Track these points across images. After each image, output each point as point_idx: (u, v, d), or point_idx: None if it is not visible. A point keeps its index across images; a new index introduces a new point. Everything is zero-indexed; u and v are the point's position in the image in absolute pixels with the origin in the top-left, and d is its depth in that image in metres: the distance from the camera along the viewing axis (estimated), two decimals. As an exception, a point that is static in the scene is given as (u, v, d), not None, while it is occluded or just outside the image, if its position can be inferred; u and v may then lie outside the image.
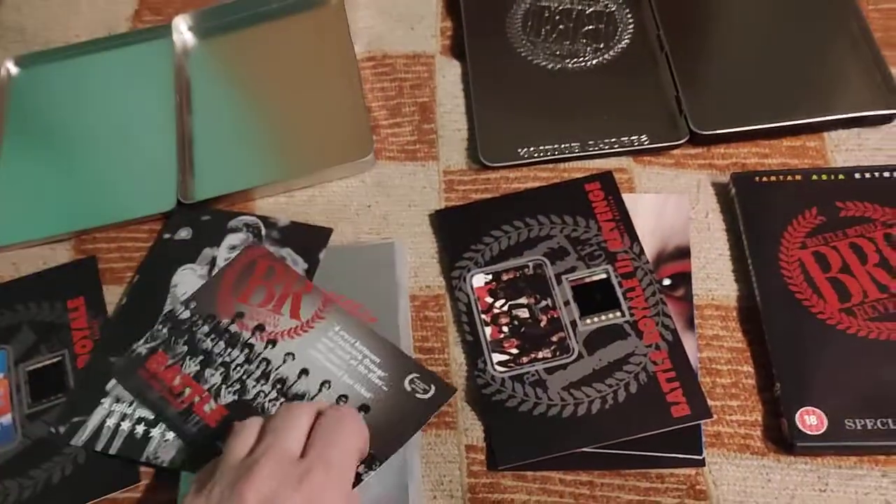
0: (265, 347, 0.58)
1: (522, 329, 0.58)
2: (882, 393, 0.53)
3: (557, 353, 0.57)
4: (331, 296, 0.60)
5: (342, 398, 0.55)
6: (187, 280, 0.62)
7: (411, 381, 0.56)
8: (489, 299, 0.60)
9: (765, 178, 0.63)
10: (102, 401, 0.58)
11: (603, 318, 0.58)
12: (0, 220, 0.69)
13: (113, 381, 0.58)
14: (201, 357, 0.58)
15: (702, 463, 0.53)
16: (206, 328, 0.59)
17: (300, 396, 0.55)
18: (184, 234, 0.65)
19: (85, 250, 0.66)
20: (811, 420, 0.52)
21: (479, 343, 0.58)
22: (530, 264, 0.61)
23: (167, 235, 0.65)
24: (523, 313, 0.59)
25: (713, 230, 0.62)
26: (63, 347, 0.61)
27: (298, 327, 0.58)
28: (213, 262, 0.63)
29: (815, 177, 0.63)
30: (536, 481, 0.53)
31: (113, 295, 0.64)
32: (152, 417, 0.57)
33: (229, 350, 0.58)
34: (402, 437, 0.53)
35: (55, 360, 0.60)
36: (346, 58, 0.73)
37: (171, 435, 0.56)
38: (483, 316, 0.59)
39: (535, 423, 0.54)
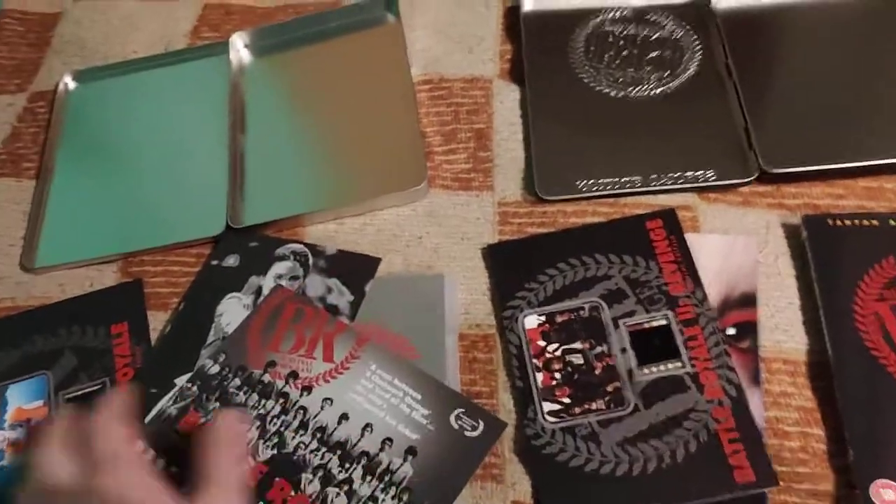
0: (301, 395, 0.56)
1: (576, 376, 0.56)
2: (967, 466, 0.49)
3: (612, 405, 0.54)
4: (366, 333, 0.58)
5: (387, 442, 0.53)
6: (232, 310, 0.61)
7: (457, 417, 0.54)
8: (542, 342, 0.57)
9: (839, 222, 0.59)
10: (143, 432, 0.57)
11: (662, 368, 0.55)
12: (49, 239, 0.69)
13: (152, 414, 0.57)
14: None
15: (766, 533, 0.49)
16: (237, 381, 0.57)
17: (342, 444, 0.53)
18: (231, 260, 0.64)
19: (131, 273, 0.66)
20: (888, 495, 0.48)
21: (529, 390, 0.56)
22: (586, 306, 0.58)
23: (214, 262, 0.64)
24: (577, 359, 0.56)
25: (783, 276, 0.59)
26: (104, 375, 0.60)
27: (333, 370, 0.56)
28: (258, 292, 0.62)
29: (892, 222, 0.58)
30: (586, 542, 0.50)
31: (158, 321, 0.63)
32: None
33: (263, 402, 0.56)
34: (456, 484, 0.51)
35: (96, 388, 0.60)
36: (402, 80, 0.72)
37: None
38: (535, 360, 0.57)
39: (586, 481, 0.51)
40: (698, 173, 0.64)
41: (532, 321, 0.58)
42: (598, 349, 0.57)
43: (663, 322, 0.57)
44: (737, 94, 0.66)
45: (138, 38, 0.82)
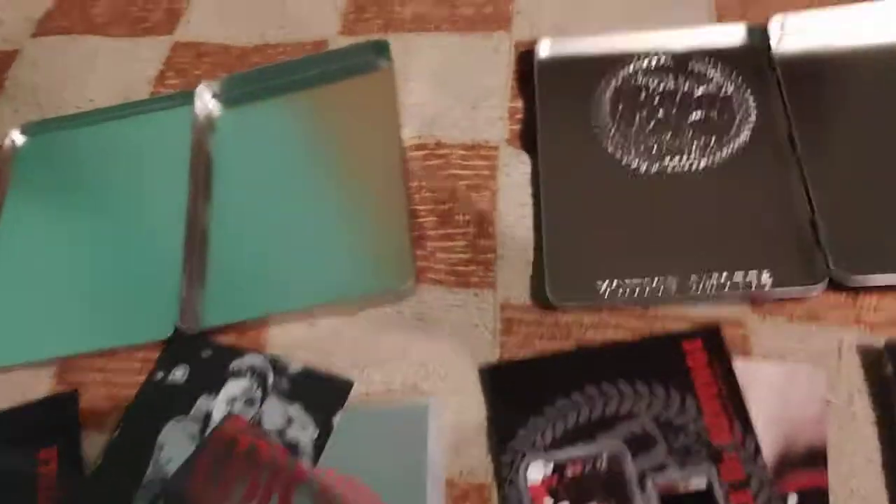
0: None
1: (592, 551, 0.44)
2: None
3: None
4: (332, 481, 0.47)
5: None
6: (176, 440, 0.51)
7: None
8: (549, 502, 0.46)
9: (936, 354, 0.46)
10: None
11: (701, 546, 0.43)
12: (-22, 338, 0.59)
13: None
14: None
15: None
16: None
17: None
18: (179, 374, 0.53)
19: (68, 381, 0.56)
20: None
21: (531, 567, 0.44)
22: (605, 455, 0.46)
23: (159, 375, 0.54)
24: (592, 534, 0.45)
25: (860, 421, 0.46)
26: (25, 511, 0.50)
27: None
28: (207, 419, 0.51)
29: None
30: None
31: (93, 446, 0.53)
32: None
33: None
34: None
35: (14, 528, 0.50)
36: (390, 144, 0.60)
37: None
38: (539, 527, 0.45)
39: None
40: (750, 277, 0.51)
41: (537, 472, 0.47)
42: (620, 515, 0.45)
43: (703, 484, 0.45)
44: (801, 172, 0.53)
45: (97, 83, 0.72)
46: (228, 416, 0.50)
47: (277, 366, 0.52)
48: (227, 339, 0.55)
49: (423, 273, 0.56)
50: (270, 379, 0.52)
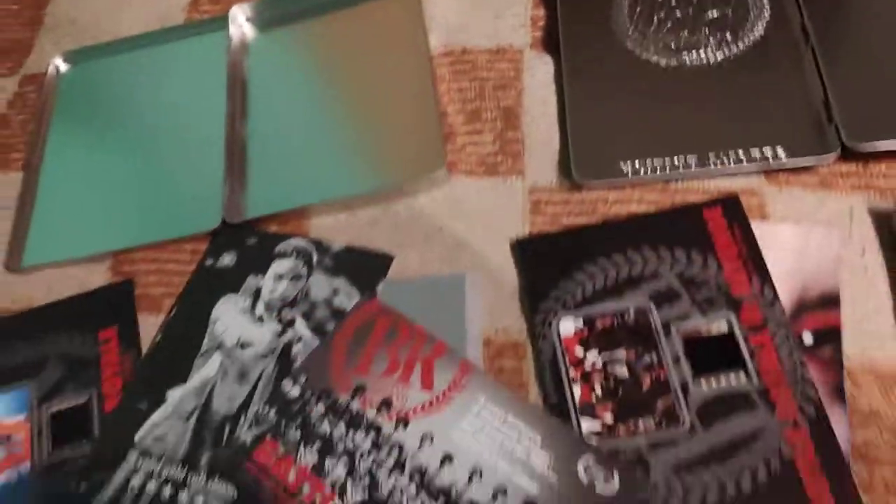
0: (395, 428, 0.47)
1: (620, 391, 0.47)
2: None
3: (664, 425, 0.46)
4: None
5: (500, 493, 0.44)
6: (229, 314, 0.54)
7: (587, 467, 0.45)
8: (580, 351, 0.49)
9: (942, 207, 0.49)
10: (128, 455, 0.50)
11: (723, 381, 0.46)
12: (37, 237, 0.62)
13: (141, 432, 0.50)
14: (319, 444, 0.47)
15: (855, 585, 0.41)
16: (321, 407, 0.48)
17: (445, 491, 0.45)
18: (227, 259, 0.57)
19: (123, 272, 0.59)
20: None
21: (565, 406, 0.47)
22: (632, 309, 0.50)
23: (209, 261, 0.57)
24: (621, 371, 0.48)
25: (871, 272, 0.49)
26: (91, 386, 0.54)
27: (434, 401, 0.48)
28: (257, 294, 0.54)
29: None
30: None
31: (149, 326, 0.56)
32: (181, 477, 0.48)
33: (352, 433, 0.47)
34: None
35: (81, 401, 0.53)
36: (419, 53, 0.63)
37: (199, 499, 0.48)
38: (572, 372, 0.48)
39: None
40: (766, 151, 0.54)
41: (568, 326, 0.50)
42: (647, 359, 0.48)
43: (724, 327, 0.48)
44: (814, 57, 0.57)
45: (132, 14, 0.75)
46: (363, 301, 0.53)
47: (321, 246, 0.56)
48: (270, 229, 0.59)
49: (455, 166, 0.59)
50: (315, 257, 0.55)
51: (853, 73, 0.55)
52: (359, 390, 0.49)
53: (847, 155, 0.53)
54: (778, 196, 0.53)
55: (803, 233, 0.51)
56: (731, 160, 0.54)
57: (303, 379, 0.50)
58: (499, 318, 0.52)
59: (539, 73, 0.62)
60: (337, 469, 0.46)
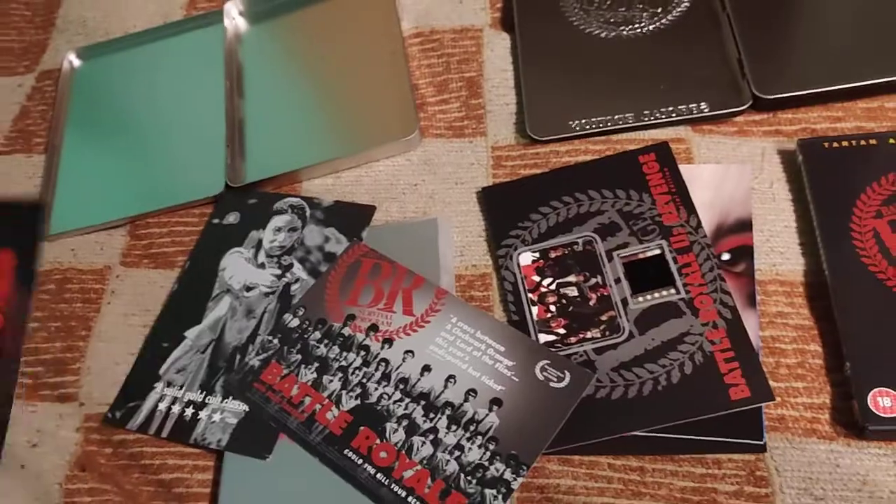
0: (382, 347, 0.56)
1: (570, 308, 0.56)
2: (967, 374, 0.48)
3: (607, 333, 0.54)
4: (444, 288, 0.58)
5: (471, 393, 0.53)
6: (235, 263, 0.62)
7: (543, 369, 0.53)
8: (536, 278, 0.58)
9: (835, 144, 0.58)
10: (155, 385, 0.58)
11: (656, 295, 0.55)
12: (60, 208, 0.70)
13: (165, 366, 0.59)
14: (317, 364, 0.56)
15: (763, 448, 0.49)
16: (317, 334, 0.57)
17: (425, 394, 0.53)
18: (231, 218, 0.65)
19: (138, 235, 0.68)
20: (885, 402, 0.48)
21: (525, 323, 0.56)
22: (580, 241, 0.58)
23: (216, 220, 0.66)
24: (571, 292, 0.57)
25: (778, 201, 0.58)
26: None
27: (413, 323, 0.56)
28: (258, 245, 0.63)
29: (892, 140, 0.57)
30: (583, 466, 0.51)
31: (166, 279, 0.64)
32: (200, 399, 0.57)
33: (345, 354, 0.56)
34: (543, 435, 0.51)
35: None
36: (392, 35, 0.72)
37: (217, 416, 0.56)
38: (530, 295, 0.57)
39: (582, 405, 0.52)
40: (691, 105, 0.63)
41: (526, 258, 0.59)
42: (593, 281, 0.57)
43: (657, 251, 0.57)
44: (730, 24, 0.66)
45: (137, 13, 0.83)
46: (351, 245, 0.61)
47: (312, 202, 0.64)
48: (268, 191, 0.67)
49: (427, 130, 0.68)
50: (308, 211, 0.64)
51: (762, 34, 0.65)
52: (350, 318, 0.57)
53: (760, 105, 0.62)
54: (702, 143, 0.62)
55: (722, 171, 0.60)
56: (663, 115, 0.63)
57: (301, 311, 0.58)
58: (469, 256, 0.61)
59: (497, 48, 0.71)
60: (333, 384, 0.55)
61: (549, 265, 0.58)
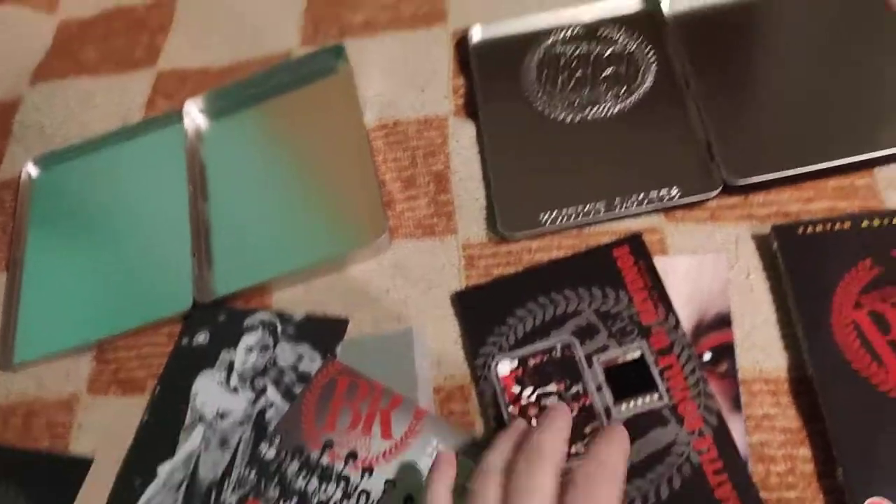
0: (362, 477, 0.54)
1: (553, 421, 0.54)
2: (961, 477, 0.47)
3: (592, 447, 0.53)
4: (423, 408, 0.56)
5: None
6: (207, 388, 0.61)
7: None
8: (516, 388, 0.56)
9: (809, 229, 0.57)
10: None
11: (639, 402, 0.54)
12: (26, 333, 0.69)
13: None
14: (296, 499, 0.54)
15: (758, 568, 0.48)
16: (295, 464, 0.55)
17: None
18: (201, 337, 0.63)
19: (106, 360, 0.66)
20: (880, 515, 0.46)
21: (507, 439, 0.54)
22: (558, 346, 0.57)
23: (185, 341, 0.64)
24: (552, 402, 0.55)
25: (756, 292, 0.57)
26: None
27: (393, 447, 0.54)
28: (230, 367, 0.61)
29: (865, 223, 0.56)
30: None
31: (136, 407, 0.62)
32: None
33: (324, 486, 0.54)
34: None
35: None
36: (356, 129, 0.71)
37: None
38: (511, 408, 0.56)
39: None
40: (662, 192, 0.62)
41: (505, 367, 0.57)
42: (574, 389, 0.55)
43: (637, 354, 0.55)
44: (696, 105, 0.65)
45: (96, 116, 0.82)
46: (325, 363, 0.59)
47: (283, 317, 0.63)
48: (238, 306, 0.66)
49: (396, 230, 0.66)
50: (279, 327, 0.62)
51: (729, 116, 0.64)
52: (328, 445, 0.56)
53: (731, 189, 0.61)
54: (675, 231, 0.61)
55: (697, 262, 0.59)
56: (634, 203, 0.62)
57: (277, 440, 0.56)
58: (446, 366, 0.59)
59: (463, 138, 0.70)
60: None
61: (529, 374, 0.57)
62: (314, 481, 0.54)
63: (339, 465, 0.54)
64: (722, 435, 0.51)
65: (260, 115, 0.77)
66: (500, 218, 0.63)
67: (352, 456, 0.55)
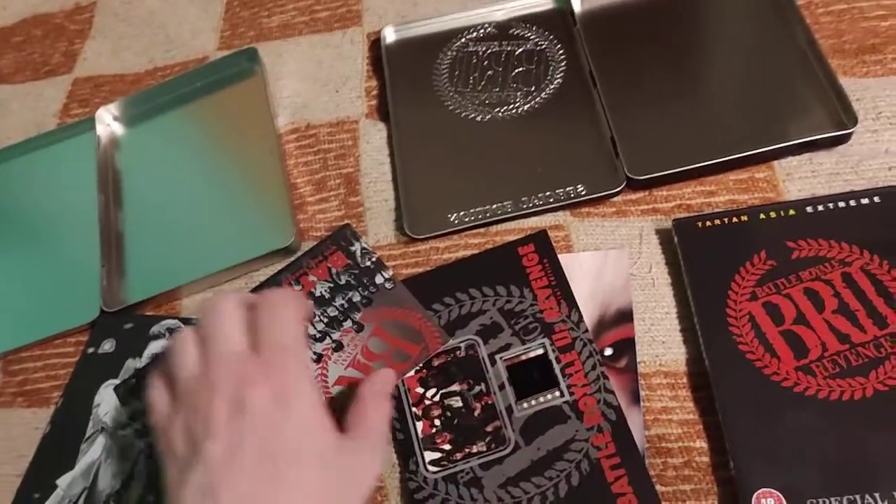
0: None
1: (456, 420, 0.54)
2: (848, 465, 0.47)
3: (493, 446, 0.53)
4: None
5: None
6: (110, 397, 0.60)
7: None
8: (420, 389, 0.56)
9: (707, 223, 0.57)
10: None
11: (541, 399, 0.54)
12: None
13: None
14: None
15: (654, 562, 0.48)
16: None
17: None
18: (107, 346, 0.62)
19: (13, 371, 0.64)
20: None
21: (410, 441, 0.54)
22: (462, 346, 0.57)
23: (91, 349, 0.63)
24: (456, 402, 0.55)
25: (658, 286, 0.57)
26: None
27: None
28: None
29: (762, 215, 0.57)
30: None
31: (41, 419, 0.61)
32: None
33: None
34: None
35: None
36: (268, 133, 0.70)
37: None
38: (414, 409, 0.55)
39: None
40: (569, 189, 0.62)
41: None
42: (477, 389, 0.55)
43: (540, 351, 0.55)
44: (601, 103, 0.65)
45: (11, 123, 0.81)
46: None
47: (190, 323, 0.62)
48: (147, 312, 0.64)
49: (307, 233, 0.66)
50: (184, 335, 0.61)
51: (634, 113, 0.64)
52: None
53: (636, 185, 0.61)
54: (581, 227, 0.61)
55: (601, 258, 0.59)
56: (541, 200, 0.62)
57: None
58: (352, 367, 0.59)
59: (374, 140, 0.69)
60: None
61: (433, 374, 0.56)
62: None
63: None
64: (620, 430, 0.51)
65: (174, 121, 0.76)
66: (407, 219, 0.63)
67: None
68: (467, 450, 0.53)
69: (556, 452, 0.51)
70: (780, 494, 0.47)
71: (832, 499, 0.46)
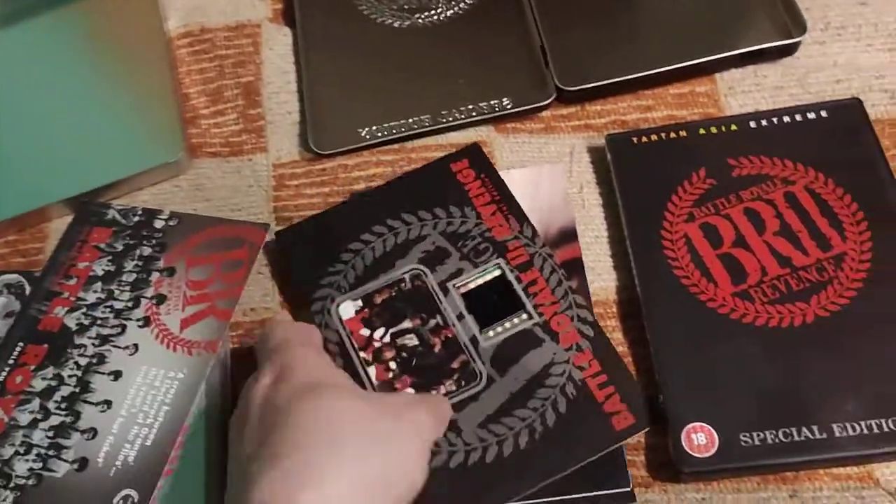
0: None
1: (414, 361, 0.47)
2: (784, 396, 0.43)
3: (463, 383, 0.46)
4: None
5: None
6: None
7: None
8: (365, 331, 0.49)
9: (644, 138, 0.53)
10: None
11: (507, 325, 0.47)
12: None
13: None
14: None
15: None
16: None
17: None
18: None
19: None
20: (699, 439, 0.43)
21: (364, 389, 0.46)
22: (406, 277, 0.50)
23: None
24: (411, 341, 0.48)
25: (589, 207, 0.52)
26: None
27: None
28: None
29: (702, 130, 0.52)
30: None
31: None
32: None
33: None
34: None
35: None
36: (155, 37, 0.62)
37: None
38: (362, 354, 0.48)
39: (455, 478, 0.43)
40: (493, 102, 0.56)
41: (348, 309, 0.49)
42: (433, 322, 0.48)
43: (496, 273, 0.49)
44: (531, 10, 0.59)
45: None
46: None
47: (31, 275, 0.53)
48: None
49: (200, 148, 0.58)
50: (27, 289, 0.53)
51: (565, 22, 0.58)
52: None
53: (567, 98, 0.56)
54: (506, 144, 0.55)
55: (535, 174, 0.53)
56: (463, 115, 0.56)
57: None
58: (248, 302, 0.52)
59: (278, 46, 0.61)
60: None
61: (378, 313, 0.49)
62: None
63: None
64: (601, 346, 0.46)
65: (54, 23, 0.66)
66: (312, 133, 0.56)
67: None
68: (435, 391, 0.46)
69: (537, 380, 0.45)
70: (711, 429, 0.43)
71: (767, 432, 0.42)
